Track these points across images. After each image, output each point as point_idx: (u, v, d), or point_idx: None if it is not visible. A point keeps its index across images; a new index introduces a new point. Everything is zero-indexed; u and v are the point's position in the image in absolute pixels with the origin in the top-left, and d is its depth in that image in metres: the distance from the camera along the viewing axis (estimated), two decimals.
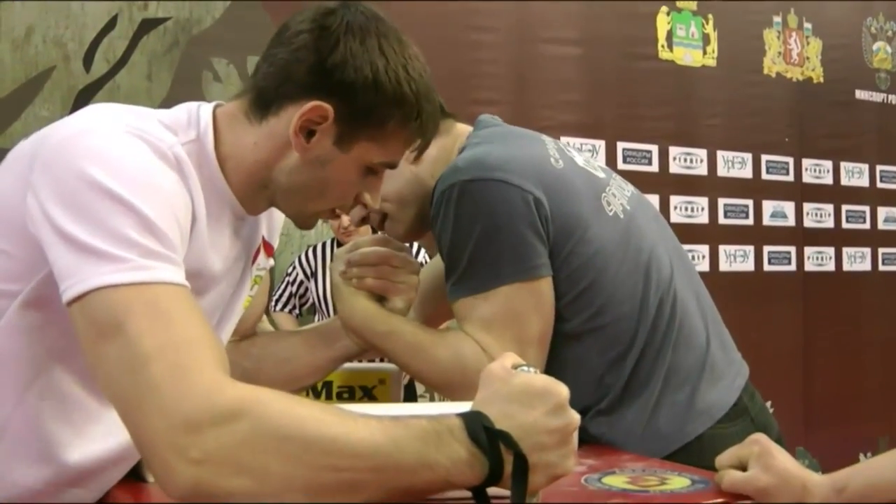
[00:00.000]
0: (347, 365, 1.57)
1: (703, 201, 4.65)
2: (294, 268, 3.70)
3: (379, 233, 1.53)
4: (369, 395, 1.61)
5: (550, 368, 1.42)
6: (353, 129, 1.12)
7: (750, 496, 1.11)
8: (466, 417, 0.91)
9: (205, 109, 1.15)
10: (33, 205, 0.96)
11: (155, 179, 0.99)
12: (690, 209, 4.62)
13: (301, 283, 3.69)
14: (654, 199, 4.46)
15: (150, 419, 0.85)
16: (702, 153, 4.63)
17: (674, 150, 4.56)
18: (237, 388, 0.87)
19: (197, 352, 0.89)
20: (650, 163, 4.49)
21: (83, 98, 3.37)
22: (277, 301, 3.72)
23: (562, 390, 0.95)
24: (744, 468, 1.14)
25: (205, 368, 0.88)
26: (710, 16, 4.65)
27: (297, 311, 3.74)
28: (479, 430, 0.90)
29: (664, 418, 1.43)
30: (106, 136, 0.99)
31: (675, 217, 4.56)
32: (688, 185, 4.60)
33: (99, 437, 1.09)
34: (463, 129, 1.57)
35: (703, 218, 4.65)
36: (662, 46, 4.53)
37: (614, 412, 1.44)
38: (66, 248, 0.92)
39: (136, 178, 0.96)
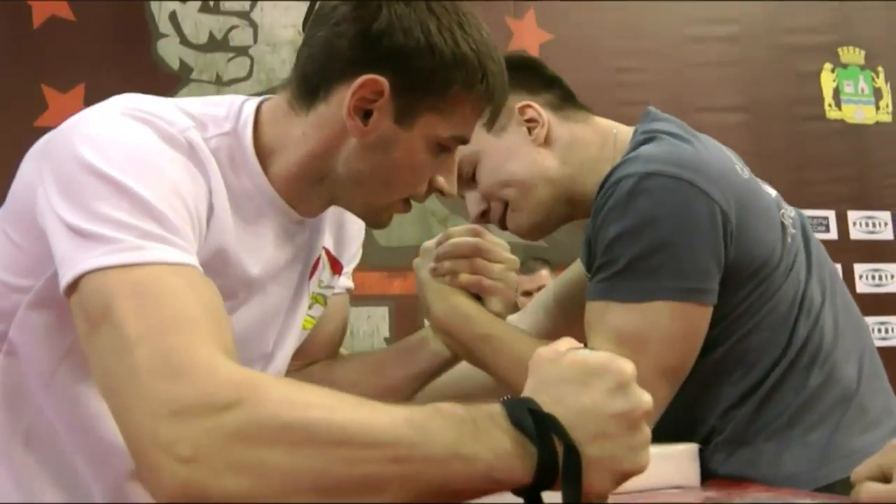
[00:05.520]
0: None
1: (891, 268, 4.35)
2: None
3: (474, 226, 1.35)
4: None
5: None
6: (414, 102, 1.01)
7: None
8: (509, 402, 0.76)
9: (249, 104, 1.07)
10: (41, 195, 0.92)
11: (153, 160, 0.92)
12: (878, 277, 4.33)
13: None
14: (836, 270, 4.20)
15: (132, 412, 0.75)
16: (885, 216, 4.37)
17: (853, 215, 4.32)
18: (233, 371, 0.76)
19: (189, 331, 0.78)
20: (828, 230, 4.25)
21: None
22: None
23: (625, 366, 0.77)
24: (886, 479, 0.98)
25: (198, 349, 0.77)
26: (879, 69, 4.44)
27: None
28: (524, 414, 0.74)
29: (793, 457, 1.24)
30: (103, 119, 0.95)
31: (862, 287, 4.27)
32: (873, 251, 4.34)
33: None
34: (607, 123, 1.41)
35: (894, 287, 4.34)
36: (830, 105, 4.35)
37: (737, 443, 1.26)
38: (63, 234, 0.87)
39: (132, 159, 0.90)
